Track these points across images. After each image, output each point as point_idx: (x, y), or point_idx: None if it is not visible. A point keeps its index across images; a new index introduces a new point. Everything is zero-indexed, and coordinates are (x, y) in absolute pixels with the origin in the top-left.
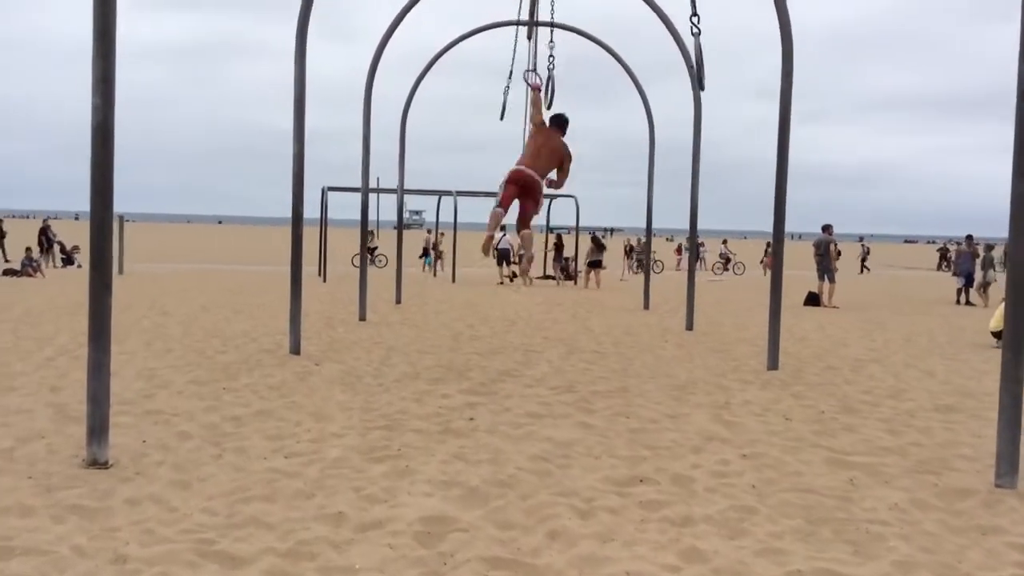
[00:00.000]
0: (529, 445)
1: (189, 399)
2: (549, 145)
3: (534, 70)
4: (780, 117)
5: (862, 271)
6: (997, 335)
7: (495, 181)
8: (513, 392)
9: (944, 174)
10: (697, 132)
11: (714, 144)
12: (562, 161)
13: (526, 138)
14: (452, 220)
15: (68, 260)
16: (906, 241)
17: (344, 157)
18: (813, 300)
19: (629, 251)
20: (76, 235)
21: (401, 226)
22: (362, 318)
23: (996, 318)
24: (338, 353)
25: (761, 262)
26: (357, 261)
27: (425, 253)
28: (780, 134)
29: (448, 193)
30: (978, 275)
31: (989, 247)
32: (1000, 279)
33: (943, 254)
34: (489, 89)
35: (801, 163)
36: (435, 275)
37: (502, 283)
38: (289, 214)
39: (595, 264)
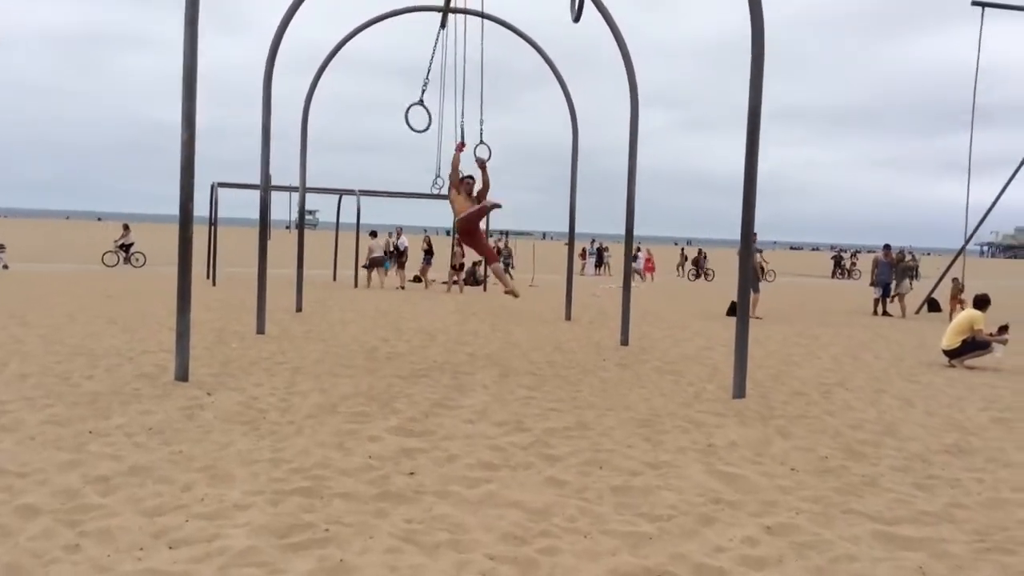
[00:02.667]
0: (495, 515)
1: (42, 449)
2: (466, 193)
3: (462, 141)
4: (749, 124)
5: (700, 276)
6: (949, 354)
7: (393, 183)
8: (454, 431)
9: (824, 184)
10: (634, 132)
11: (601, 151)
12: (481, 191)
13: (449, 197)
14: (355, 221)
15: None
16: (791, 248)
17: (233, 154)
18: (735, 310)
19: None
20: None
21: (303, 226)
22: (260, 331)
23: (948, 336)
24: (234, 377)
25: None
26: (108, 259)
27: (372, 263)
28: (749, 141)
29: (351, 192)
30: (902, 285)
31: (901, 256)
32: (917, 289)
33: (837, 261)
34: (385, 89)
35: (685, 170)
36: (403, 287)
37: (403, 287)
38: (176, 211)
39: (459, 267)
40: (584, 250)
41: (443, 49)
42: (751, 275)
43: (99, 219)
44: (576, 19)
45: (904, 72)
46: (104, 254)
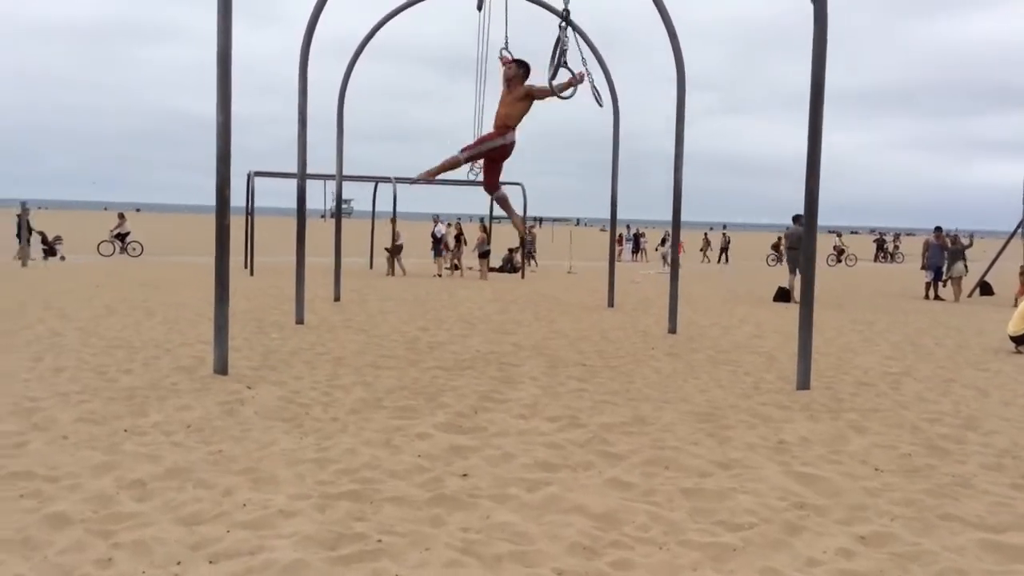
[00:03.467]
0: (559, 523)
1: (76, 450)
2: (513, 96)
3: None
4: (812, 102)
5: (722, 260)
6: (1016, 340)
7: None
8: (506, 427)
9: (858, 166)
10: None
11: (631, 135)
12: (530, 94)
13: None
14: (391, 208)
15: (50, 251)
16: (829, 231)
17: (266, 144)
18: (783, 296)
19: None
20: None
21: (340, 214)
22: (299, 320)
23: (1015, 321)
24: (275, 370)
25: (701, 250)
26: (105, 248)
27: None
28: (812, 120)
29: (387, 180)
30: (954, 268)
31: (956, 239)
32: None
33: (879, 244)
34: (418, 79)
35: (718, 152)
36: (403, 272)
37: (440, 275)
38: (211, 201)
39: (484, 255)
40: (621, 236)
41: (484, 32)
42: (799, 258)
43: (138, 210)
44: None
45: (937, 51)
46: (100, 243)
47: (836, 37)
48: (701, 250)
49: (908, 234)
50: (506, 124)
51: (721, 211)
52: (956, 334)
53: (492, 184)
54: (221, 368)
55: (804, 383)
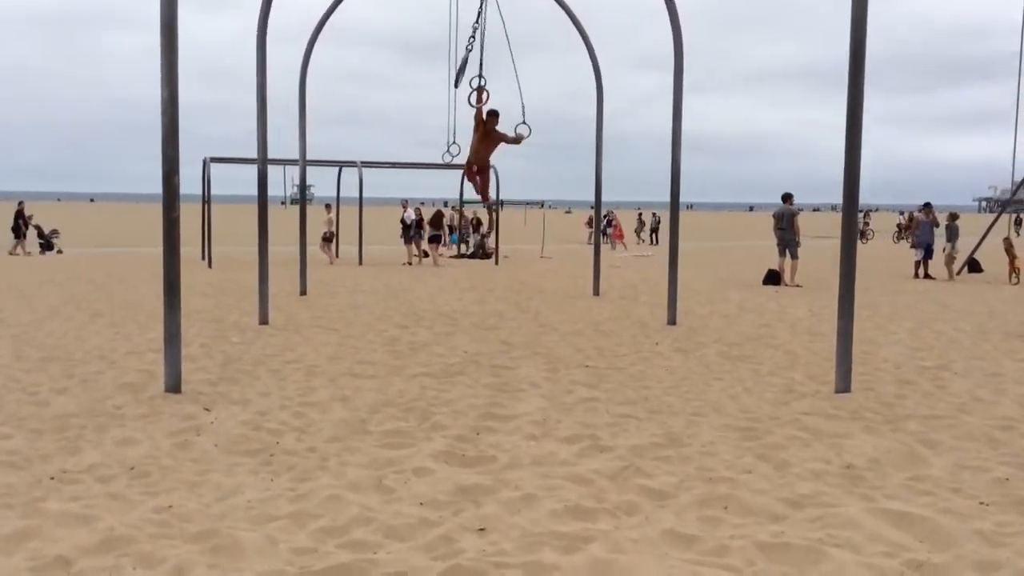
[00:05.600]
0: None
1: None
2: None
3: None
4: (851, 74)
5: (652, 242)
6: None
7: (382, 156)
8: (517, 455)
9: (826, 144)
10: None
11: (587, 119)
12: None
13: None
14: (357, 195)
15: (47, 245)
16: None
17: (223, 131)
18: (773, 278)
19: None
20: (53, 218)
21: (304, 201)
22: (263, 320)
23: None
24: (237, 384)
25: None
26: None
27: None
28: (851, 95)
29: (352, 164)
30: (946, 247)
31: (953, 216)
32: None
33: None
34: (375, 62)
35: (687, 133)
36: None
37: (410, 263)
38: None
39: (435, 239)
40: (590, 218)
41: (455, 15)
42: (788, 238)
43: (91, 200)
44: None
45: (896, 26)
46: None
47: (797, 14)
48: (636, 231)
49: (872, 210)
50: (477, 166)
51: (683, 192)
52: (968, 317)
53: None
54: (173, 386)
55: (844, 385)
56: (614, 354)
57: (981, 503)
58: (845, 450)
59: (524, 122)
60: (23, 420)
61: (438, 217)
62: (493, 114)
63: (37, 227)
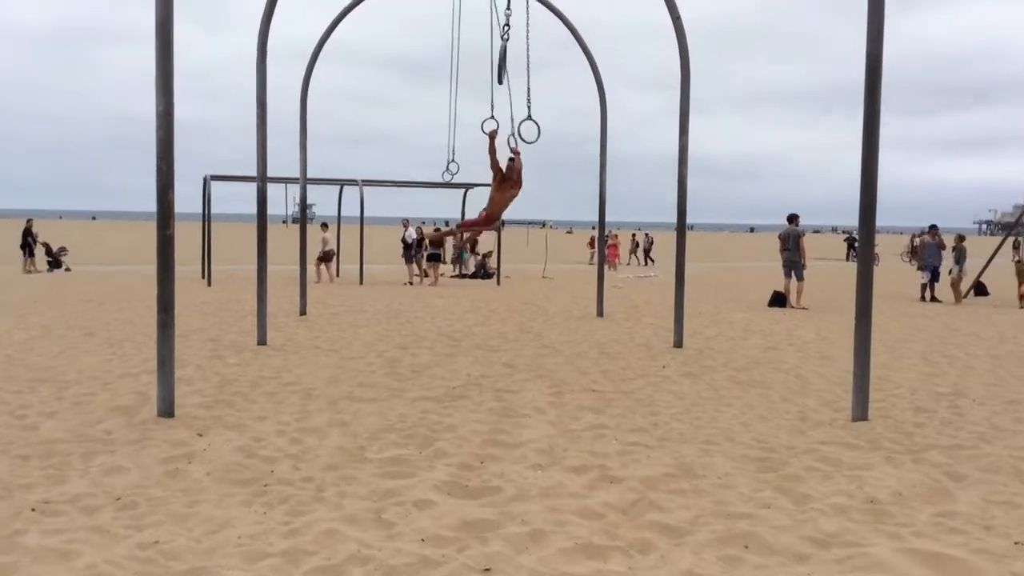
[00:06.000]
0: None
1: None
2: (503, 193)
3: (492, 117)
4: (867, 88)
5: (646, 263)
6: None
7: (386, 173)
8: (524, 486)
9: (824, 166)
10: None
11: (589, 139)
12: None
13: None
14: (358, 213)
15: (55, 263)
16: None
17: (226, 150)
18: (779, 300)
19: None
20: (58, 236)
21: (305, 219)
22: (261, 341)
23: None
24: (232, 407)
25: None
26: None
27: (325, 257)
28: (867, 114)
29: (353, 183)
30: (953, 269)
31: (960, 238)
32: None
33: (851, 243)
34: (373, 82)
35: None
36: (330, 280)
37: (411, 283)
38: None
39: (434, 258)
40: (592, 239)
41: (456, 38)
42: (794, 259)
43: (93, 218)
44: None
45: (896, 50)
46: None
47: (790, 35)
48: (631, 252)
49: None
50: (494, 217)
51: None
52: (979, 342)
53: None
54: (166, 410)
55: (861, 413)
56: (621, 377)
57: (1016, 542)
58: (867, 483)
59: (529, 116)
60: (9, 445)
61: (437, 236)
62: (510, 159)
63: (45, 244)
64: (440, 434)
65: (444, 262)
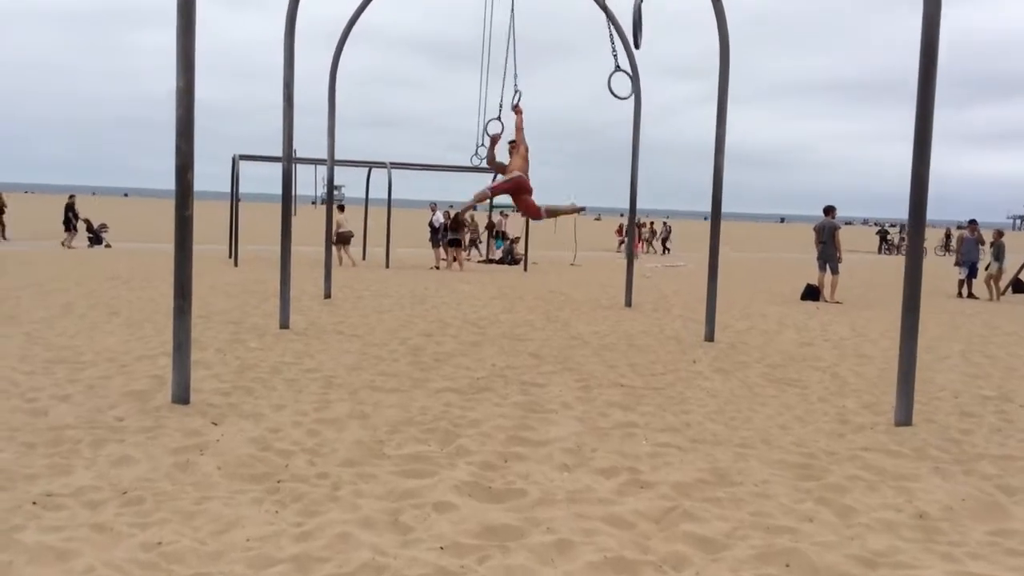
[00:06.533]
0: None
1: None
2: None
3: (498, 118)
4: (920, 79)
5: (663, 252)
6: None
7: (415, 156)
8: (549, 489)
9: (852, 157)
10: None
11: (611, 124)
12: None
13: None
14: (386, 196)
15: (96, 239)
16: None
17: (252, 131)
18: (812, 294)
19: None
20: (96, 213)
21: (332, 200)
22: (284, 324)
23: None
24: (250, 394)
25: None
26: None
27: (340, 239)
28: (921, 102)
29: (381, 165)
30: (992, 265)
31: (999, 233)
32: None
33: (883, 236)
34: (402, 64)
35: (704, 143)
36: (352, 264)
37: (437, 267)
38: (204, 187)
39: (454, 243)
40: (621, 227)
41: (488, 20)
42: (829, 253)
43: (126, 195)
44: (636, 45)
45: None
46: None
47: (828, 27)
48: (645, 240)
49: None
50: (524, 179)
51: (706, 200)
52: (1021, 342)
53: (533, 213)
54: (181, 396)
55: (905, 417)
56: (650, 372)
57: None
58: (915, 495)
59: (518, 88)
60: (15, 431)
61: (458, 220)
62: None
63: (87, 221)
64: (463, 429)
65: (465, 248)
